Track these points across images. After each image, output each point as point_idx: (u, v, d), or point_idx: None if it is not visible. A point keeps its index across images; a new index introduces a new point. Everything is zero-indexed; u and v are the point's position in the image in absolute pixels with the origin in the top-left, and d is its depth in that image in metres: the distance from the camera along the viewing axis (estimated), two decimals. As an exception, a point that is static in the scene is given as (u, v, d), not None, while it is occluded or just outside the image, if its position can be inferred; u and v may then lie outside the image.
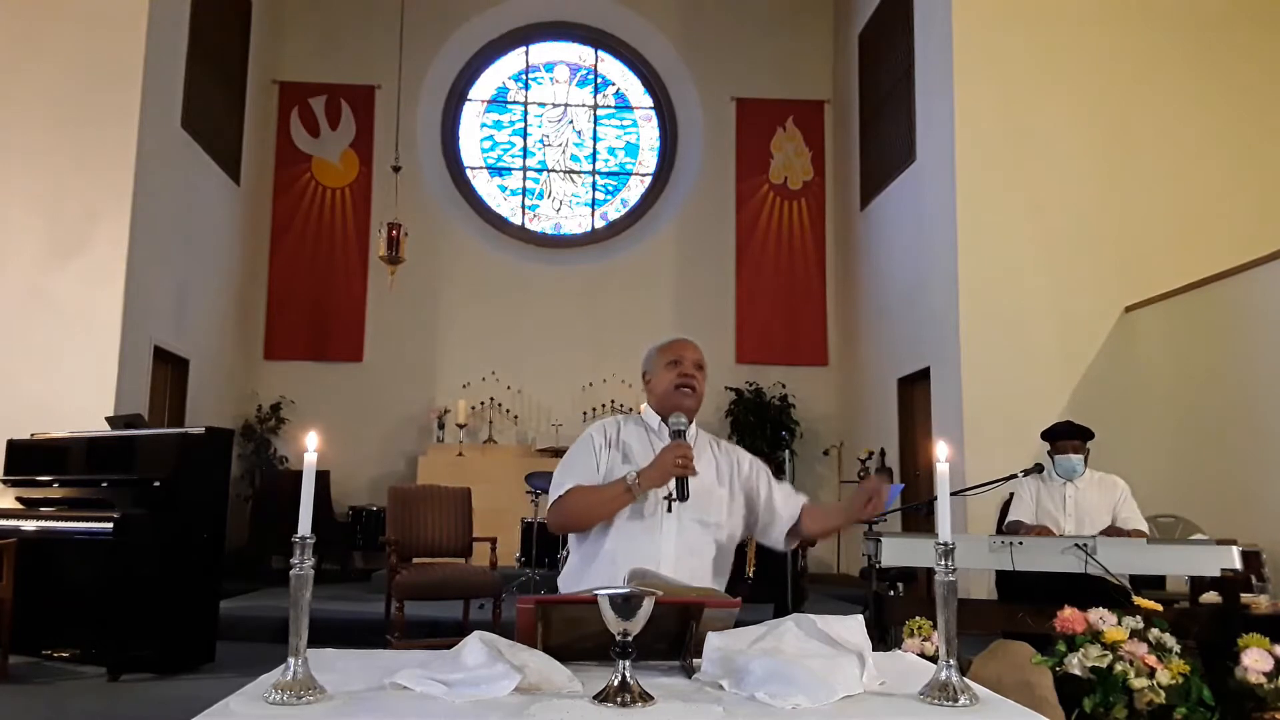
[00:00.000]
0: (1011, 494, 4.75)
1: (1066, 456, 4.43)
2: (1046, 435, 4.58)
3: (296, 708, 1.35)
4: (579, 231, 10.99)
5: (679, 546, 2.30)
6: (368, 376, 9.96)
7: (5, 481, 5.39)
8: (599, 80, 11.26)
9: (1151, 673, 2.99)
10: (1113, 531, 4.15)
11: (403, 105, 9.77)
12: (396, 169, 9.08)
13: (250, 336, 9.81)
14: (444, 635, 5.34)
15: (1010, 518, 4.56)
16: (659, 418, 2.44)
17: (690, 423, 2.39)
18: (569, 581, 2.41)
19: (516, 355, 10.05)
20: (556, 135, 11.21)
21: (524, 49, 11.16)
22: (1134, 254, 6.96)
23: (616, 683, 1.41)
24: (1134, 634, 3.07)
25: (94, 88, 6.97)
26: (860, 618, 1.71)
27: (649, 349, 2.52)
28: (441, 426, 9.67)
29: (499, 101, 11.14)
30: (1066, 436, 4.47)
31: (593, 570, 2.32)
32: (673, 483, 2.24)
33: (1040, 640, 3.19)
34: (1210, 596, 3.90)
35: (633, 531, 2.30)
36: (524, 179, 11.06)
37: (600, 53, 11.24)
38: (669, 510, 2.27)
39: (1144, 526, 4.30)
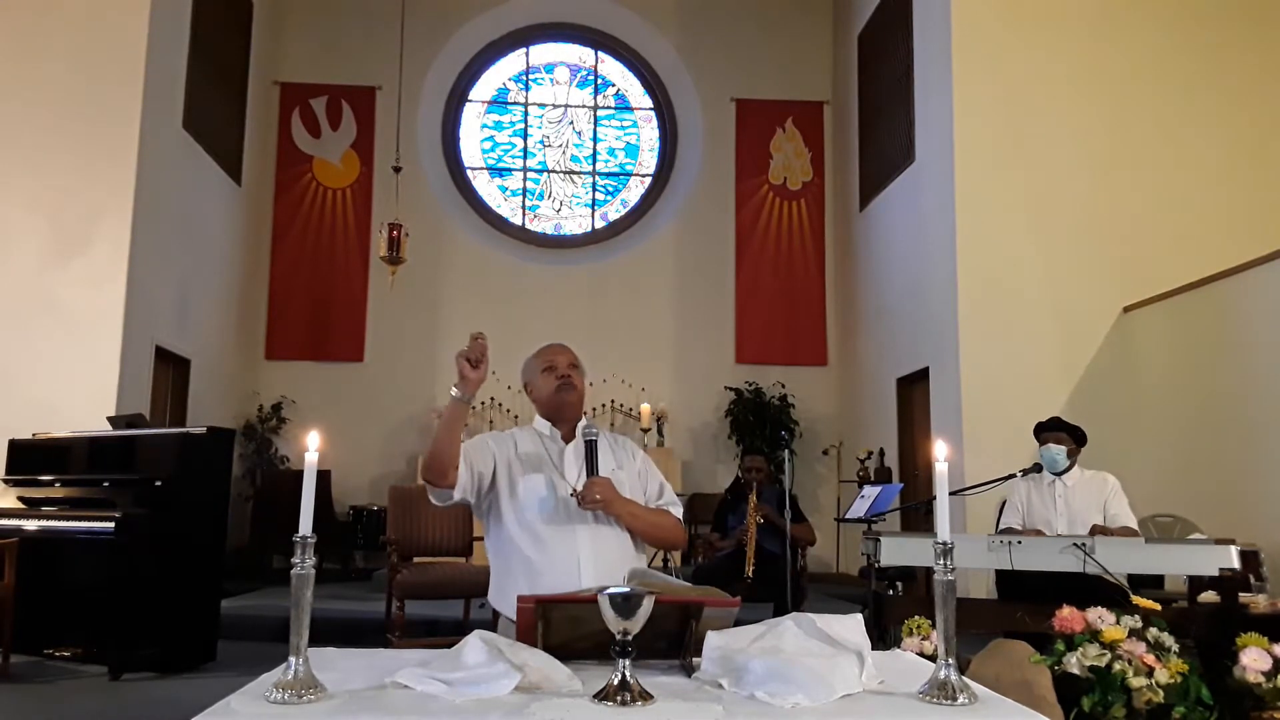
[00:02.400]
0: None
1: (1048, 447, 4.45)
2: (1035, 429, 4.62)
3: (297, 706, 1.36)
4: (579, 232, 10.99)
5: (595, 538, 2.37)
6: (368, 376, 9.96)
7: (7, 481, 5.40)
8: (599, 81, 11.27)
9: (1150, 672, 2.99)
10: (1101, 531, 4.12)
11: (403, 106, 9.78)
12: (397, 170, 9.09)
13: (251, 336, 9.81)
14: (444, 634, 5.35)
15: (1001, 525, 4.57)
16: (549, 424, 2.59)
17: (585, 423, 2.52)
18: (498, 594, 2.45)
19: (516, 355, 9.85)
20: (557, 136, 11.21)
21: (524, 50, 11.17)
22: (1133, 254, 6.96)
23: (616, 682, 1.42)
24: (1132, 633, 3.08)
25: (95, 88, 6.97)
26: (859, 617, 1.72)
27: (524, 362, 2.70)
28: (442, 426, 9.66)
29: (499, 102, 11.15)
30: (1050, 429, 4.51)
31: (514, 573, 2.38)
32: (581, 476, 2.39)
33: (1039, 639, 3.20)
34: (1209, 596, 3.91)
35: (545, 530, 2.38)
36: (524, 180, 11.06)
37: (600, 54, 11.24)
38: (589, 475, 2.37)
39: (1133, 523, 4.29)
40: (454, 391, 2.26)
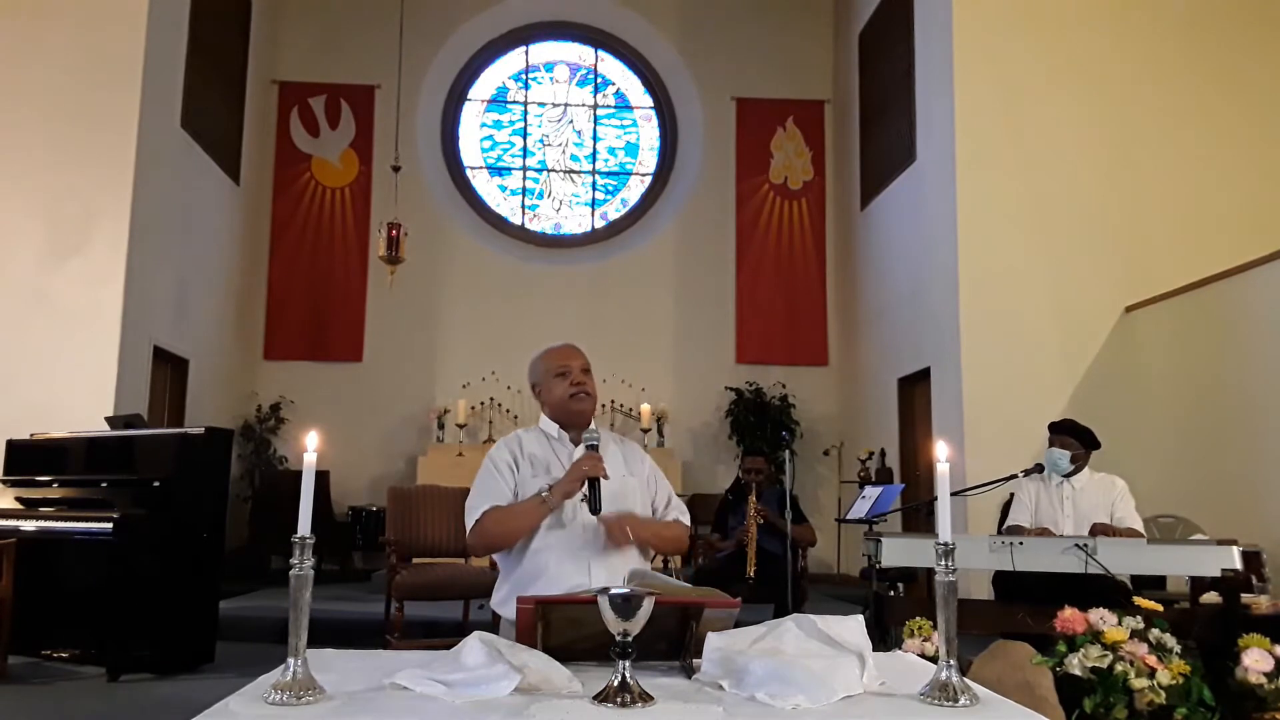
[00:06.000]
0: (1012, 494, 4.74)
1: (1051, 450, 4.43)
2: (1049, 426, 4.58)
3: (296, 708, 1.35)
4: (579, 231, 10.98)
5: (606, 543, 2.36)
6: (367, 376, 9.95)
7: (5, 481, 5.38)
8: (599, 80, 11.26)
9: (1152, 673, 2.98)
10: (1103, 529, 4.12)
11: (402, 105, 9.77)
12: (396, 169, 9.07)
13: (250, 336, 9.80)
14: (444, 635, 5.33)
15: (1009, 522, 4.55)
16: (557, 426, 2.54)
17: (594, 428, 2.48)
18: (503, 597, 2.43)
19: (516, 355, 9.93)
20: (556, 135, 11.20)
21: (524, 49, 11.16)
22: (1135, 254, 6.96)
23: (616, 683, 1.41)
24: (1134, 634, 3.07)
25: (93, 87, 6.95)
26: (860, 618, 1.71)
27: (532, 359, 2.61)
28: (441, 426, 9.67)
29: (499, 101, 11.14)
30: (1060, 430, 4.48)
31: (522, 577, 2.38)
32: (585, 489, 2.34)
33: (1040, 640, 3.19)
34: (1211, 597, 3.90)
35: (557, 537, 2.37)
36: (524, 179, 11.05)
37: (600, 52, 11.23)
38: (592, 512, 2.33)
39: (1139, 526, 4.27)
40: (544, 490, 2.32)
